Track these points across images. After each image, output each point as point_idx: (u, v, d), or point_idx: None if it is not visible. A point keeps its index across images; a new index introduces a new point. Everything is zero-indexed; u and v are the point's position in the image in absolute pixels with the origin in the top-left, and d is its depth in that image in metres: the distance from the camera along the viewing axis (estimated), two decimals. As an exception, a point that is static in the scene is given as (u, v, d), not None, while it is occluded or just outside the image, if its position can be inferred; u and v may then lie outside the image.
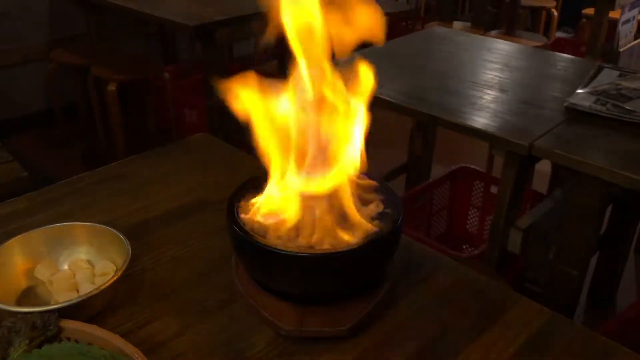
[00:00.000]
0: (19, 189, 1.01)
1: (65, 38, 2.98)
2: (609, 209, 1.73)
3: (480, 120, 1.39)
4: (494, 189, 1.88)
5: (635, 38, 2.39)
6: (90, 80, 2.66)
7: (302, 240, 0.65)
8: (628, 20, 2.30)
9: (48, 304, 0.67)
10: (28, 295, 0.70)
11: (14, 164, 1.44)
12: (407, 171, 2.13)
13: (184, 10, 2.35)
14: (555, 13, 4.19)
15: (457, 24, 3.48)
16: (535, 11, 4.34)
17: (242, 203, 0.69)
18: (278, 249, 0.62)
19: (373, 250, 0.64)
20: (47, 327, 0.58)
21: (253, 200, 0.69)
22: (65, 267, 0.74)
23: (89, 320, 0.61)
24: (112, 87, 2.50)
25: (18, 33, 2.85)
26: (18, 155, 1.49)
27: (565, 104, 1.42)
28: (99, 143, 2.83)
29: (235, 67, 3.01)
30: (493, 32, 3.30)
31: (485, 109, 1.44)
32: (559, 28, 4.54)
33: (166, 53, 3.36)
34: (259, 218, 0.67)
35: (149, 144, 1.20)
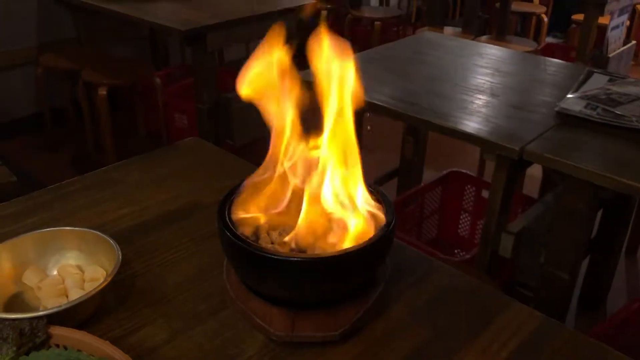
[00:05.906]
0: (7, 194, 1.00)
1: (54, 42, 2.96)
2: (600, 212, 1.74)
3: (472, 124, 1.39)
4: (485, 193, 1.88)
5: (624, 44, 2.42)
6: (80, 85, 2.64)
7: (293, 245, 0.64)
8: (617, 26, 2.32)
9: (36, 310, 0.66)
10: (16, 301, 0.69)
11: (2, 169, 1.43)
12: (399, 175, 2.13)
13: (175, 15, 2.34)
14: (545, 18, 4.23)
15: (447, 29, 3.49)
16: (525, 16, 4.38)
17: (233, 207, 0.69)
18: (269, 254, 0.62)
19: (365, 254, 0.64)
20: (35, 334, 0.57)
21: (244, 205, 0.69)
22: (54, 272, 0.73)
23: (79, 326, 0.61)
24: (102, 92, 2.49)
25: (6, 37, 2.83)
26: (6, 160, 1.48)
27: (556, 109, 1.42)
28: (89, 148, 2.82)
29: (225, 72, 3.00)
30: (483, 37, 3.31)
31: (476, 114, 1.45)
32: (548, 33, 4.58)
33: (157, 57, 3.35)
34: (250, 222, 0.67)
35: (139, 149, 1.20)
